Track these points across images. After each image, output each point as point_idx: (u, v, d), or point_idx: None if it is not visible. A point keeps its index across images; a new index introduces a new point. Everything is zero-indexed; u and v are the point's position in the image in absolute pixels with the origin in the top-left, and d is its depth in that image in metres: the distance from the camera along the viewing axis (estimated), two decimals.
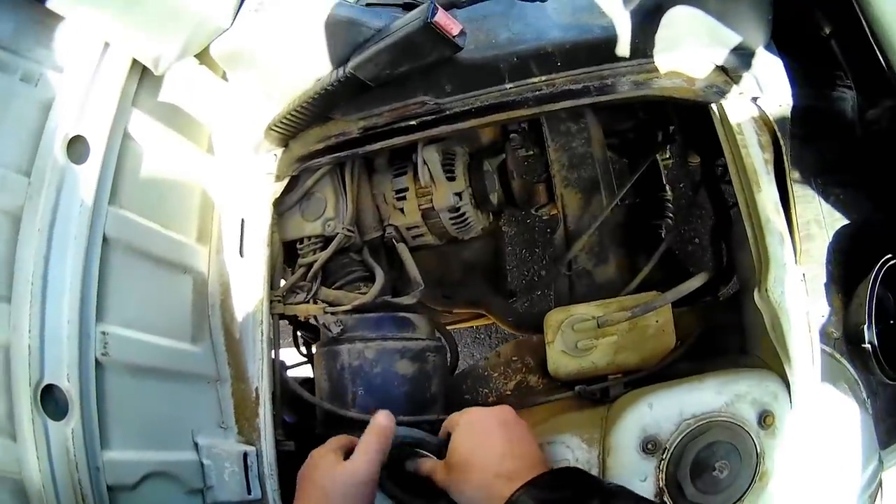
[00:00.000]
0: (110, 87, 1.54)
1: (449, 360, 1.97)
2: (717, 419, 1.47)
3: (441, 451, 1.46)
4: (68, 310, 1.41)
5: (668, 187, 2.04)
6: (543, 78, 1.53)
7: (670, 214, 1.96)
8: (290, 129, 1.66)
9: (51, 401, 1.40)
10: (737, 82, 1.55)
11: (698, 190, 1.90)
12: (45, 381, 1.38)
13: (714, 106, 1.56)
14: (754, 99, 1.56)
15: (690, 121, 1.85)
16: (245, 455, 1.62)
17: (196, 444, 1.63)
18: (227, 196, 1.76)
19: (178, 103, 1.70)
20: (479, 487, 1.30)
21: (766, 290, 1.48)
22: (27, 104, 1.45)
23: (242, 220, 1.73)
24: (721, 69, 1.54)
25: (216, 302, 1.72)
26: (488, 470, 1.31)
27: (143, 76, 1.63)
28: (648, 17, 1.50)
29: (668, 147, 2.06)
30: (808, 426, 1.52)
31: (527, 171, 2.01)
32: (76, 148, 1.48)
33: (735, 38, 1.52)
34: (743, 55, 1.54)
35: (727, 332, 1.75)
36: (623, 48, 1.52)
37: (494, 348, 2.38)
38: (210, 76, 1.72)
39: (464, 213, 1.85)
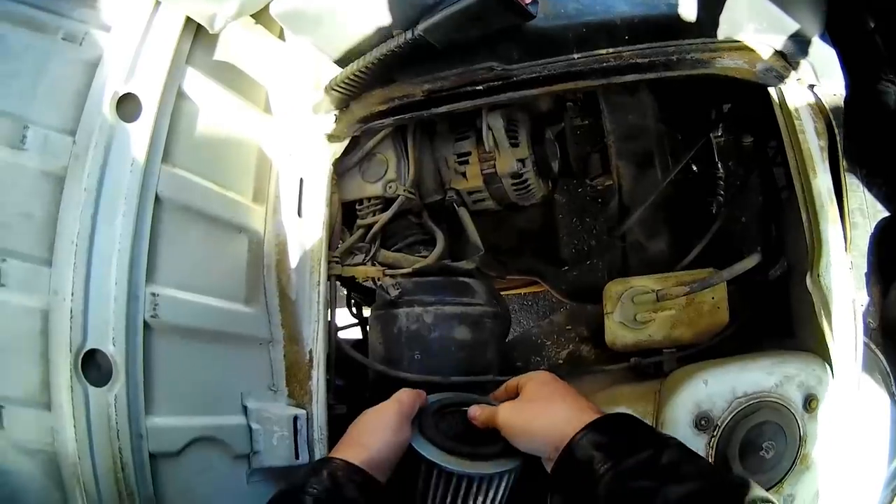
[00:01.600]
0: (163, 45, 1.42)
1: (504, 319, 1.82)
2: (766, 399, 1.44)
3: None
4: (116, 271, 1.30)
5: (720, 165, 1.91)
6: (611, 50, 1.46)
7: (721, 192, 1.86)
8: (353, 90, 1.53)
9: (93, 367, 1.28)
10: (795, 68, 1.50)
11: (750, 171, 1.81)
12: (88, 346, 1.27)
13: (772, 89, 1.51)
14: (811, 86, 1.51)
15: (744, 101, 1.75)
16: (295, 419, 1.49)
17: (245, 408, 1.51)
18: (284, 156, 1.61)
19: (235, 62, 1.57)
20: (547, 426, 1.26)
21: (818, 275, 1.45)
22: (70, 64, 1.35)
23: (301, 180, 1.59)
24: (780, 54, 1.49)
25: (272, 262, 1.58)
26: (559, 412, 1.27)
27: (197, 35, 1.50)
28: None
29: (720, 125, 1.93)
30: (847, 413, 1.49)
31: (582, 141, 1.91)
32: (126, 106, 1.36)
33: (793, 25, 1.48)
34: (800, 42, 1.50)
35: (774, 313, 1.69)
36: (688, 26, 1.46)
37: (541, 315, 2.28)
38: (267, 35, 1.61)
39: (526, 180, 1.72)
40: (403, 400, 1.39)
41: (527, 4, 1.35)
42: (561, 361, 1.87)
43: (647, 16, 1.46)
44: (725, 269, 1.61)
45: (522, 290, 2.53)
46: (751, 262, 1.63)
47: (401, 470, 1.34)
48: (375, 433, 1.32)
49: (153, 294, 1.35)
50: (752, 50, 1.48)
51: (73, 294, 1.27)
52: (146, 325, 1.34)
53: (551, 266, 2.07)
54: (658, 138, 1.89)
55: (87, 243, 1.29)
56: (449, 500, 1.33)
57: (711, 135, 1.89)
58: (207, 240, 1.49)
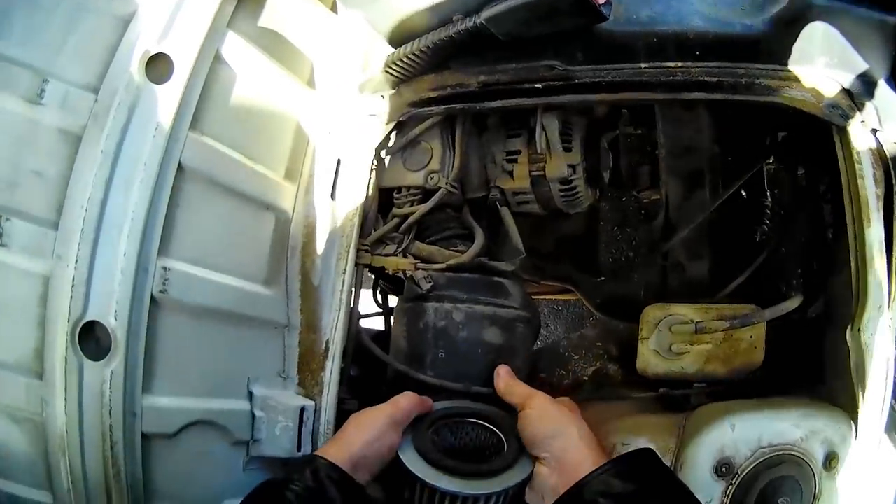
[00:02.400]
0: (203, 5, 1.28)
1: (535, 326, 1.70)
2: (790, 452, 1.37)
3: (505, 425, 1.37)
4: (127, 241, 1.18)
5: (768, 193, 1.85)
6: (680, 64, 1.36)
7: (767, 221, 1.80)
8: (405, 72, 1.43)
9: (91, 339, 1.18)
10: (860, 109, 1.41)
11: (800, 204, 1.73)
12: (88, 318, 1.17)
13: (835, 128, 1.42)
14: (874, 131, 1.41)
15: (800, 132, 1.68)
16: (302, 410, 1.39)
17: (250, 394, 1.41)
18: (324, 134, 1.48)
19: (281, 31, 1.43)
20: (571, 443, 1.24)
21: (859, 329, 1.37)
22: (103, 18, 1.23)
23: (338, 161, 1.47)
24: (846, 92, 1.40)
25: (297, 244, 1.46)
26: (585, 438, 1.25)
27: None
28: (788, 25, 1.36)
29: (774, 153, 1.87)
30: (863, 475, 1.42)
31: (632, 151, 1.80)
32: (157, 67, 1.22)
33: (863, 65, 1.39)
34: (867, 83, 1.41)
35: (806, 353, 1.60)
36: (760, 50, 1.37)
37: (570, 322, 2.20)
38: (318, 5, 1.48)
39: (575, 187, 1.59)
40: (399, 404, 1.33)
41: (600, 5, 1.23)
42: (586, 378, 1.76)
43: (721, 34, 1.36)
44: (768, 309, 1.53)
45: (554, 297, 2.43)
46: (793, 303, 1.55)
47: (390, 476, 1.30)
48: (360, 433, 1.27)
49: (164, 268, 1.23)
50: (819, 83, 1.38)
51: (77, 261, 1.16)
52: (153, 300, 1.23)
53: (587, 275, 1.96)
54: (710, 158, 1.81)
55: (98, 209, 1.18)
56: None
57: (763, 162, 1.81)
58: (231, 215, 1.36)
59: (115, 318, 1.18)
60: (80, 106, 1.19)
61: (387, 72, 1.43)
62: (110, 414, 1.19)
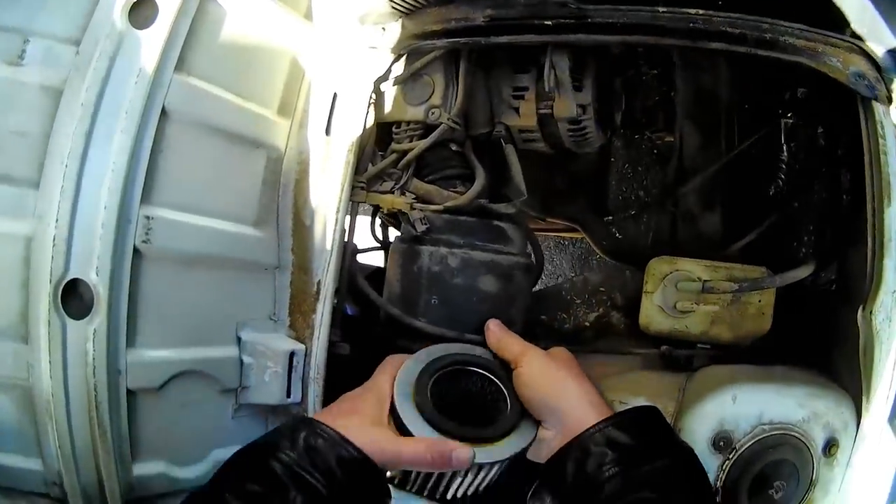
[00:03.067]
0: None
1: (535, 273, 1.66)
2: (790, 434, 1.29)
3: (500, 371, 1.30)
4: (108, 193, 1.13)
5: (784, 147, 1.78)
6: (701, 12, 1.28)
7: (782, 177, 1.72)
8: (408, 5, 1.37)
9: (75, 298, 1.14)
10: (887, 84, 1.31)
11: (818, 166, 1.67)
12: (70, 276, 1.13)
13: (860, 99, 1.31)
14: None
15: (822, 92, 1.60)
16: (292, 354, 1.34)
17: (239, 340, 1.36)
18: (321, 67, 1.42)
19: None
20: (574, 401, 1.18)
21: (871, 312, 1.28)
22: None
23: (335, 95, 1.40)
24: (874, 65, 1.30)
25: (290, 182, 1.41)
26: (587, 393, 1.20)
27: None
28: None
29: (792, 109, 1.79)
30: (865, 465, 1.34)
31: (648, 91, 1.73)
32: (141, 11, 1.16)
33: (893, 41, 1.29)
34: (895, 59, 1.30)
35: (814, 323, 1.54)
36: (789, 9, 1.28)
37: (576, 259, 2.15)
38: None
39: (584, 128, 1.51)
40: (384, 388, 1.22)
41: None
42: (588, 324, 1.71)
43: None
44: (779, 275, 1.46)
45: (561, 235, 2.35)
46: (806, 270, 1.48)
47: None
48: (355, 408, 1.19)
49: (147, 217, 1.19)
50: (848, 50, 1.29)
51: (57, 219, 1.12)
52: (136, 251, 1.19)
53: (598, 217, 1.90)
54: (728, 107, 1.73)
55: (78, 164, 1.13)
56: (432, 479, 1.19)
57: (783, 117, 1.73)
58: (219, 156, 1.30)
59: (97, 274, 1.14)
60: (61, 60, 1.15)
61: (389, 3, 1.35)
62: (94, 373, 1.15)
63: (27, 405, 1.17)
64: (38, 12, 1.15)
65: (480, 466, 1.16)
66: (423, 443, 1.13)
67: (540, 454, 1.19)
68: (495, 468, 1.19)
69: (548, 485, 1.14)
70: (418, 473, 1.18)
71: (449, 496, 1.21)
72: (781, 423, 1.28)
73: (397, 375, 1.23)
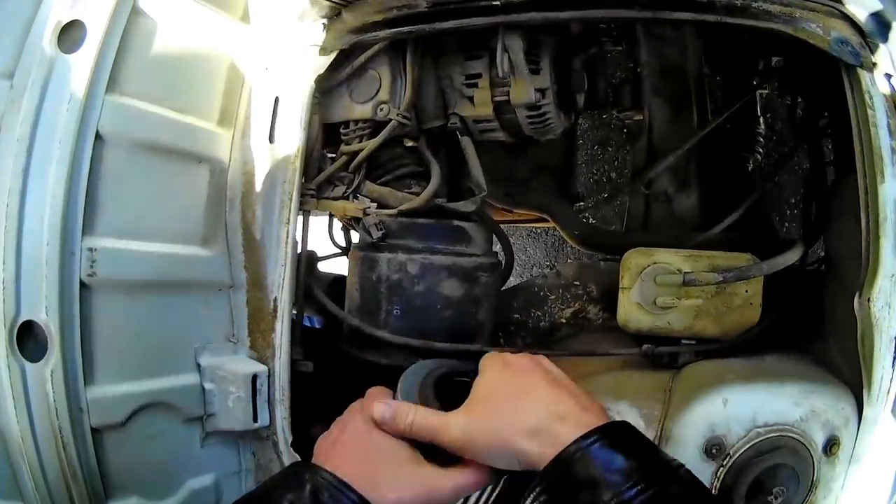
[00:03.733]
0: None
1: (502, 271, 1.59)
2: (787, 434, 1.20)
3: None
4: (48, 228, 1.08)
5: (761, 119, 1.74)
6: None
7: (760, 150, 1.68)
8: None
9: (30, 339, 1.09)
10: (872, 51, 1.23)
11: (798, 136, 1.63)
12: (22, 318, 1.08)
13: (844, 66, 1.23)
14: (887, 76, 1.24)
15: (798, 59, 1.54)
16: (255, 377, 1.27)
17: (199, 366, 1.29)
18: (260, 70, 1.34)
19: None
20: (520, 428, 0.98)
21: (869, 299, 1.19)
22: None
23: (276, 99, 1.32)
24: (858, 30, 1.22)
25: (236, 196, 1.33)
26: (539, 407, 1.00)
27: None
28: None
29: (767, 79, 1.76)
30: (869, 459, 1.26)
31: (612, 68, 1.67)
32: (70, 34, 1.11)
33: (877, 4, 1.21)
34: (881, 24, 1.23)
35: (805, 304, 1.47)
36: None
37: (550, 247, 2.08)
38: None
39: (544, 113, 1.43)
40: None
41: None
42: (564, 320, 1.63)
43: None
44: (766, 262, 1.33)
45: (531, 226, 2.27)
46: (794, 255, 1.37)
47: None
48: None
49: (90, 249, 1.13)
50: (828, 15, 1.20)
51: (3, 261, 1.06)
52: (83, 284, 1.13)
53: (567, 205, 1.84)
54: (698, 80, 1.66)
55: (19, 201, 1.07)
56: None
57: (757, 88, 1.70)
58: (159, 176, 1.24)
59: (46, 313, 1.09)
60: None
61: None
62: (57, 415, 1.11)
63: (1, 447, 1.11)
64: None
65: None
66: (470, 469, 1.02)
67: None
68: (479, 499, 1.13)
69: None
70: None
71: None
72: (777, 425, 1.20)
73: (398, 392, 1.15)
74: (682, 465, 0.95)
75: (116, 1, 1.13)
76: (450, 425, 1.03)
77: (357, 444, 1.07)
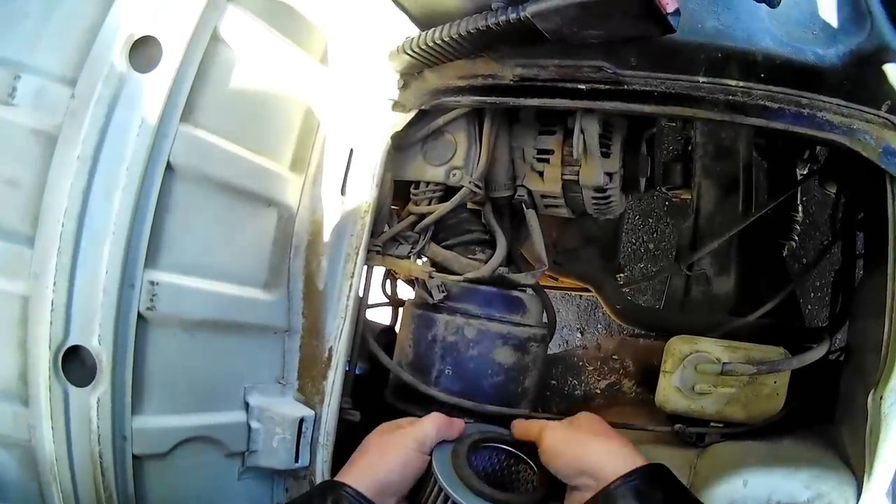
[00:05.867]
0: None
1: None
2: None
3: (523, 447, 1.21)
4: (108, 257, 1.00)
5: (800, 208, 1.76)
6: (741, 84, 1.17)
7: (796, 237, 1.69)
8: (431, 57, 1.20)
9: (76, 362, 1.02)
10: None
11: (836, 233, 1.59)
12: (70, 343, 1.00)
13: (889, 178, 1.20)
14: None
15: (840, 153, 1.47)
16: (301, 421, 1.22)
17: (247, 405, 1.24)
18: (336, 118, 1.27)
19: (291, 2, 1.22)
20: (599, 458, 1.08)
21: (882, 397, 1.19)
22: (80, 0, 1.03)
23: (351, 151, 1.25)
24: None
25: (302, 243, 1.26)
26: (613, 448, 1.10)
27: None
28: (862, 62, 1.18)
29: (809, 166, 1.78)
30: None
31: (665, 144, 1.60)
32: (143, 52, 1.01)
33: None
34: None
35: (821, 388, 1.47)
36: (828, 83, 1.18)
37: (583, 310, 2.06)
38: None
39: (609, 195, 1.38)
40: (425, 428, 1.15)
41: (668, 14, 1.00)
42: (598, 391, 1.59)
43: (792, 59, 1.17)
44: (796, 357, 1.36)
45: (564, 290, 2.25)
46: (821, 350, 1.38)
47: (415, 493, 1.15)
48: (384, 458, 1.12)
49: (152, 283, 1.04)
50: (883, 127, 1.18)
51: (55, 282, 0.98)
52: (140, 317, 1.04)
53: (611, 279, 1.80)
54: (748, 166, 1.65)
55: (76, 224, 0.98)
56: None
57: (799, 175, 1.71)
58: (228, 214, 1.16)
59: (100, 342, 1.01)
60: (55, 102, 0.99)
61: (410, 55, 1.21)
62: (99, 441, 1.03)
63: (30, 465, 1.06)
64: (32, 45, 1.02)
65: None
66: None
67: None
68: None
69: None
70: None
71: None
72: None
73: (433, 456, 1.15)
74: None
75: (197, 22, 1.05)
76: (546, 430, 1.15)
77: (373, 440, 1.16)
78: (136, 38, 1.01)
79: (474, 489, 1.10)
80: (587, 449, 1.10)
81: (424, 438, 1.14)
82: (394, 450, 1.12)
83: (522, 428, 1.21)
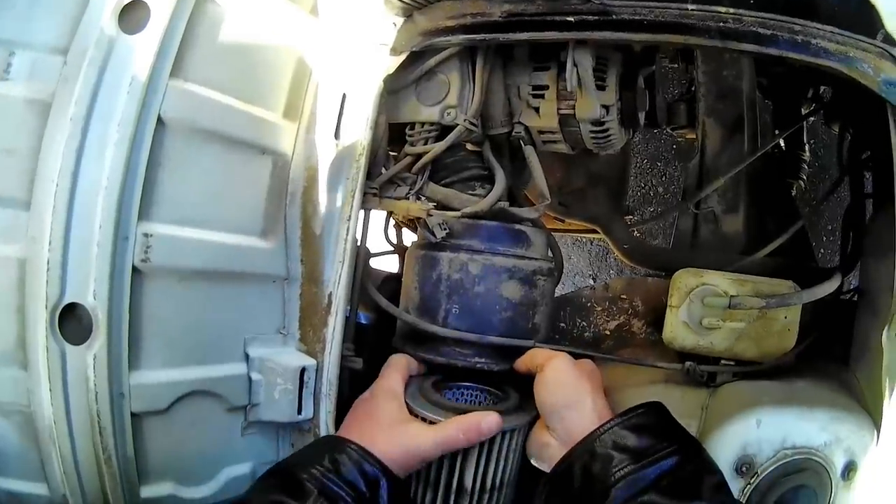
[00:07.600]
0: None
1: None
2: (812, 458, 1.18)
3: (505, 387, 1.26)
4: (102, 212, 1.00)
5: (806, 146, 1.71)
6: (731, 10, 1.14)
7: (804, 176, 1.65)
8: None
9: (73, 322, 1.02)
10: None
11: (844, 171, 1.54)
12: (66, 300, 1.00)
13: (891, 108, 1.16)
14: None
15: (845, 92, 1.48)
16: (303, 370, 1.20)
17: (247, 356, 1.22)
18: (328, 66, 1.26)
19: None
20: (587, 408, 1.11)
21: None
22: None
23: (344, 96, 1.24)
24: None
25: (298, 189, 1.25)
26: (598, 402, 1.13)
27: None
28: None
29: (814, 106, 1.72)
30: (880, 487, 1.22)
31: (669, 85, 1.59)
32: (132, 15, 1.03)
33: None
34: None
35: (835, 329, 1.42)
36: (823, 10, 1.14)
37: (594, 256, 2.02)
38: None
39: (608, 129, 1.35)
40: (392, 375, 1.21)
41: None
42: (608, 332, 1.56)
43: None
44: (806, 290, 1.29)
45: (576, 235, 2.20)
46: (832, 285, 1.31)
47: None
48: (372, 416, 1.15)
49: (146, 234, 1.04)
50: (879, 56, 1.13)
51: (50, 242, 0.98)
52: (136, 270, 1.04)
53: (619, 218, 1.76)
54: (752, 105, 1.58)
55: (70, 182, 0.99)
56: (444, 470, 1.14)
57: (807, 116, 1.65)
58: (221, 165, 1.15)
59: (94, 298, 1.01)
60: (48, 72, 1.01)
61: None
62: (97, 399, 1.03)
63: (29, 431, 1.05)
64: (25, 22, 1.02)
65: (490, 448, 1.13)
66: (452, 423, 1.09)
67: (543, 460, 1.13)
68: (509, 442, 1.16)
69: (555, 490, 1.08)
70: (429, 470, 1.14)
71: (466, 483, 1.14)
72: (804, 448, 1.18)
73: (406, 392, 1.19)
74: (698, 445, 1.11)
75: None
76: (554, 359, 1.18)
77: (364, 408, 1.16)
78: (126, 2, 1.02)
79: (438, 404, 1.16)
80: (579, 398, 1.13)
81: (395, 384, 1.18)
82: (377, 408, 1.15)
83: (529, 355, 1.23)
